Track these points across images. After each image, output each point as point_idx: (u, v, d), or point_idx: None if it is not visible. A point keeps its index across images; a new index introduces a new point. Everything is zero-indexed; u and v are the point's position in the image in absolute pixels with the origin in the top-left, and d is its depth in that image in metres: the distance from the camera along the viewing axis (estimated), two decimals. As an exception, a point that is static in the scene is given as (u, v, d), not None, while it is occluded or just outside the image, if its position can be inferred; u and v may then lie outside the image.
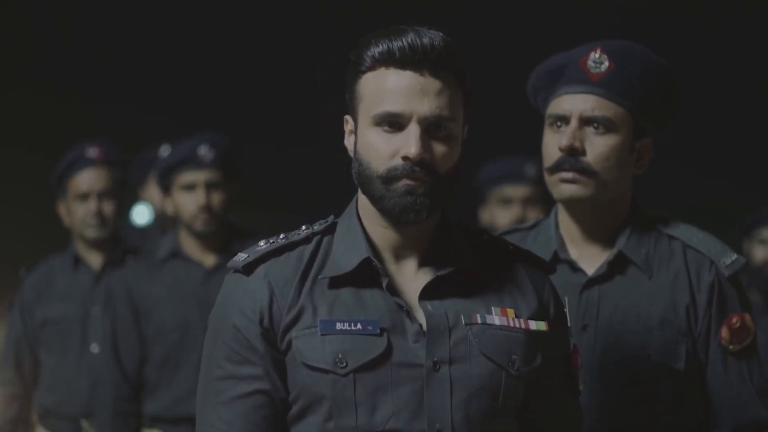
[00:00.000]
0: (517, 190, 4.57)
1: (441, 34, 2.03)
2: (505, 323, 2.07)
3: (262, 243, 2.11)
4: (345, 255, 2.07)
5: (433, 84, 2.02)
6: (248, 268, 2.08)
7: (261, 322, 2.04)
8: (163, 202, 4.13)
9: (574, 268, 2.55)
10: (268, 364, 2.04)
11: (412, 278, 2.07)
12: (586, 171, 2.48)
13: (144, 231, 5.41)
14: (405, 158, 2.00)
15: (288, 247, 2.10)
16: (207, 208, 3.97)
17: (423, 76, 2.01)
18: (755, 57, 6.70)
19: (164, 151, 4.81)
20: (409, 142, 2.00)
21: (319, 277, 2.06)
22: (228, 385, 2.06)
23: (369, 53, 2.03)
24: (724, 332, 2.48)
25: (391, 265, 2.08)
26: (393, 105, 2.01)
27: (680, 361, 2.48)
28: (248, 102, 6.92)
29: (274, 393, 2.04)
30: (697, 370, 2.50)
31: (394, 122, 2.02)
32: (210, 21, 6.96)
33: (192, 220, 3.98)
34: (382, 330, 2.01)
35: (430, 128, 2.02)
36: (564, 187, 2.50)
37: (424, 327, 2.03)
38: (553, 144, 2.52)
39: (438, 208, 2.06)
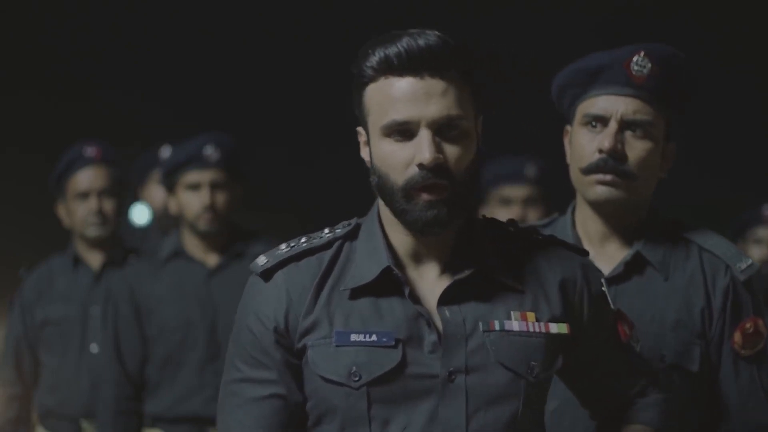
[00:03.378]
0: (517, 191, 4.57)
1: (437, 33, 2.00)
2: (525, 328, 2.04)
3: (283, 246, 2.10)
4: (366, 264, 2.05)
5: (435, 85, 1.98)
6: (266, 274, 2.07)
7: (276, 329, 2.04)
8: (167, 201, 4.14)
9: None
10: (282, 370, 2.04)
11: (433, 284, 2.05)
12: (626, 174, 2.46)
13: (144, 231, 5.41)
14: (420, 166, 1.97)
15: (308, 252, 2.08)
16: (211, 207, 3.97)
17: (424, 80, 1.98)
18: (754, 56, 6.70)
19: (165, 151, 4.82)
20: (422, 149, 1.97)
21: (341, 288, 2.04)
22: (244, 387, 2.06)
23: (368, 64, 2.01)
24: (737, 337, 2.48)
25: (412, 272, 2.06)
26: (399, 113, 1.98)
27: (695, 364, 2.48)
28: (248, 102, 6.92)
29: (289, 398, 2.04)
30: (710, 372, 2.50)
31: (403, 130, 1.99)
32: (210, 21, 6.96)
33: (196, 220, 3.99)
34: (397, 341, 2.00)
35: (442, 130, 1.98)
36: (601, 189, 2.48)
37: (442, 335, 2.01)
38: (588, 144, 2.49)
39: (461, 214, 2.03)
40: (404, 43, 1.97)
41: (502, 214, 4.48)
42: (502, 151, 4.75)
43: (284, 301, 2.04)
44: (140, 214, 5.59)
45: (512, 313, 2.04)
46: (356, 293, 2.04)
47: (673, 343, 2.47)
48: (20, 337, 4.32)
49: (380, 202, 2.08)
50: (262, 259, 2.09)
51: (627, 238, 2.55)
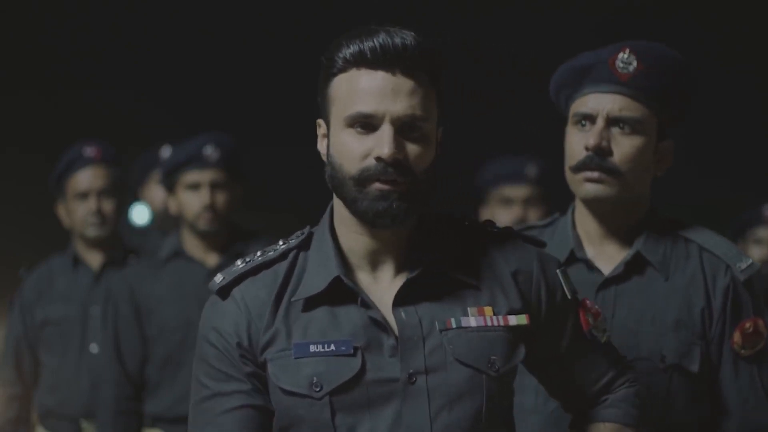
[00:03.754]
0: (517, 191, 4.57)
1: (413, 33, 2.01)
2: (482, 323, 2.04)
3: (239, 262, 2.11)
4: (317, 273, 2.05)
5: (405, 84, 1.99)
6: (223, 292, 2.08)
7: (239, 344, 2.05)
8: (167, 201, 4.15)
9: (591, 267, 2.55)
10: (252, 381, 2.05)
11: (389, 286, 2.05)
12: (612, 171, 2.48)
13: (144, 231, 5.41)
14: (378, 159, 1.98)
15: (264, 266, 2.09)
16: (211, 207, 3.98)
17: (395, 76, 1.99)
18: (754, 56, 6.71)
19: (165, 151, 4.83)
20: (382, 142, 1.98)
21: (292, 299, 2.05)
22: (214, 403, 2.06)
23: (340, 55, 2.01)
24: (737, 337, 2.49)
25: (367, 275, 2.06)
26: (365, 105, 1.99)
27: (694, 364, 2.48)
28: (248, 102, 6.92)
29: (260, 407, 2.05)
30: (710, 372, 2.51)
31: (366, 123, 1.99)
32: (210, 21, 6.96)
33: (195, 220, 3.99)
34: (356, 349, 2.00)
35: (404, 129, 1.99)
36: (589, 186, 2.50)
37: (399, 338, 2.01)
38: (577, 142, 2.51)
39: (415, 211, 2.02)
40: (380, 38, 1.99)
41: (503, 214, 4.49)
42: (502, 151, 4.76)
43: (244, 317, 2.05)
44: (140, 214, 5.59)
45: (469, 309, 2.05)
46: (311, 303, 2.04)
47: (673, 344, 2.48)
48: (20, 337, 4.33)
49: (333, 204, 2.08)
50: (219, 277, 2.09)
51: (627, 238, 2.55)
